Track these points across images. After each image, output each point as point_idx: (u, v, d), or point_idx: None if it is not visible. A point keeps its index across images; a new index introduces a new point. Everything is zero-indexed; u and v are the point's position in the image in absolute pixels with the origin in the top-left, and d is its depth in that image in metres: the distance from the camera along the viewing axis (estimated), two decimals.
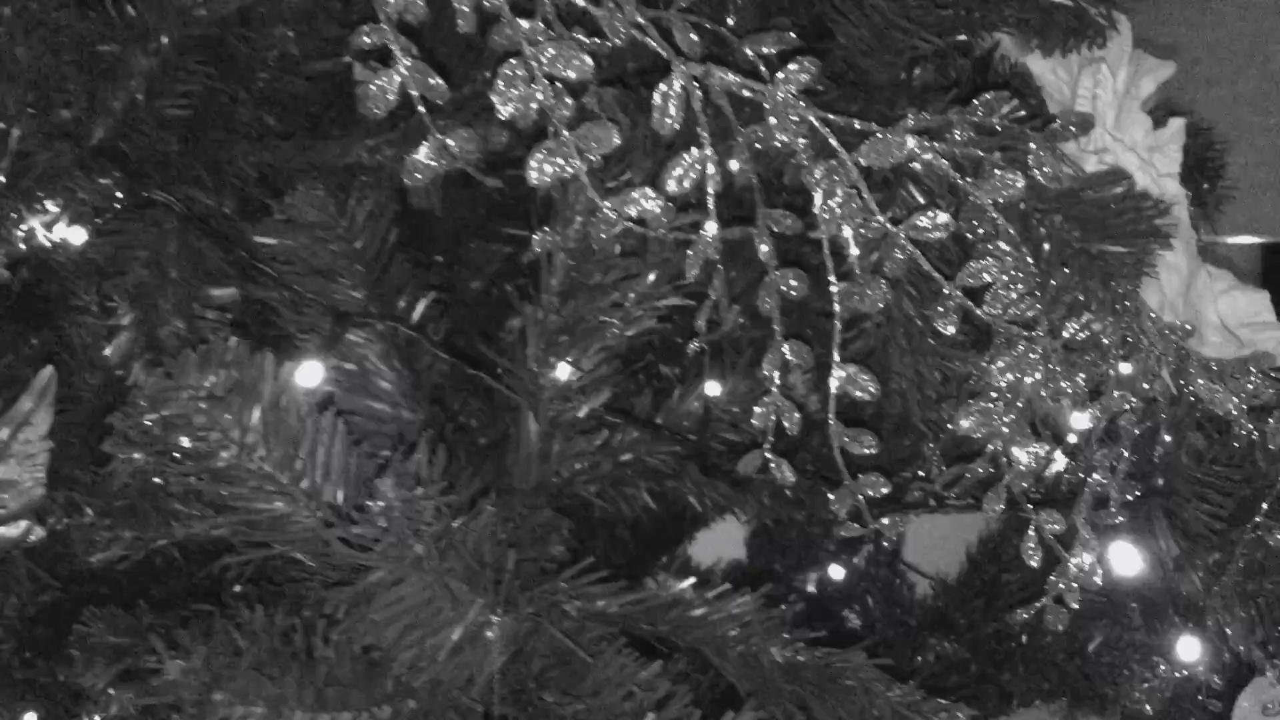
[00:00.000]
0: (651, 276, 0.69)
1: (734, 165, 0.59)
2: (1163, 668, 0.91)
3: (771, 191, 0.59)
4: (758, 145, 0.58)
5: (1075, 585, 0.62)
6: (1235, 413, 0.65)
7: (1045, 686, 0.95)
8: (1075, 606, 0.62)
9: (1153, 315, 0.65)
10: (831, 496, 0.63)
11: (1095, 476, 0.64)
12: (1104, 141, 0.72)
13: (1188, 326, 0.69)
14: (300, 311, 0.70)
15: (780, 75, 0.56)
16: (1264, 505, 0.73)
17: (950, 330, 0.58)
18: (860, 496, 0.63)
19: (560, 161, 0.54)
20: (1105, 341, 0.63)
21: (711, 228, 0.57)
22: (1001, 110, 0.60)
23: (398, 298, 0.70)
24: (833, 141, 0.57)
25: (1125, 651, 0.89)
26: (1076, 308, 0.59)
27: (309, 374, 0.67)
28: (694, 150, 0.55)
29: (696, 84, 0.55)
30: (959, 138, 0.61)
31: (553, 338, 0.63)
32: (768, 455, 0.65)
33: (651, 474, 0.75)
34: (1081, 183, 0.60)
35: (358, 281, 0.68)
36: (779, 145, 0.58)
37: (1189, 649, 0.79)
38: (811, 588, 1.10)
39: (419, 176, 0.55)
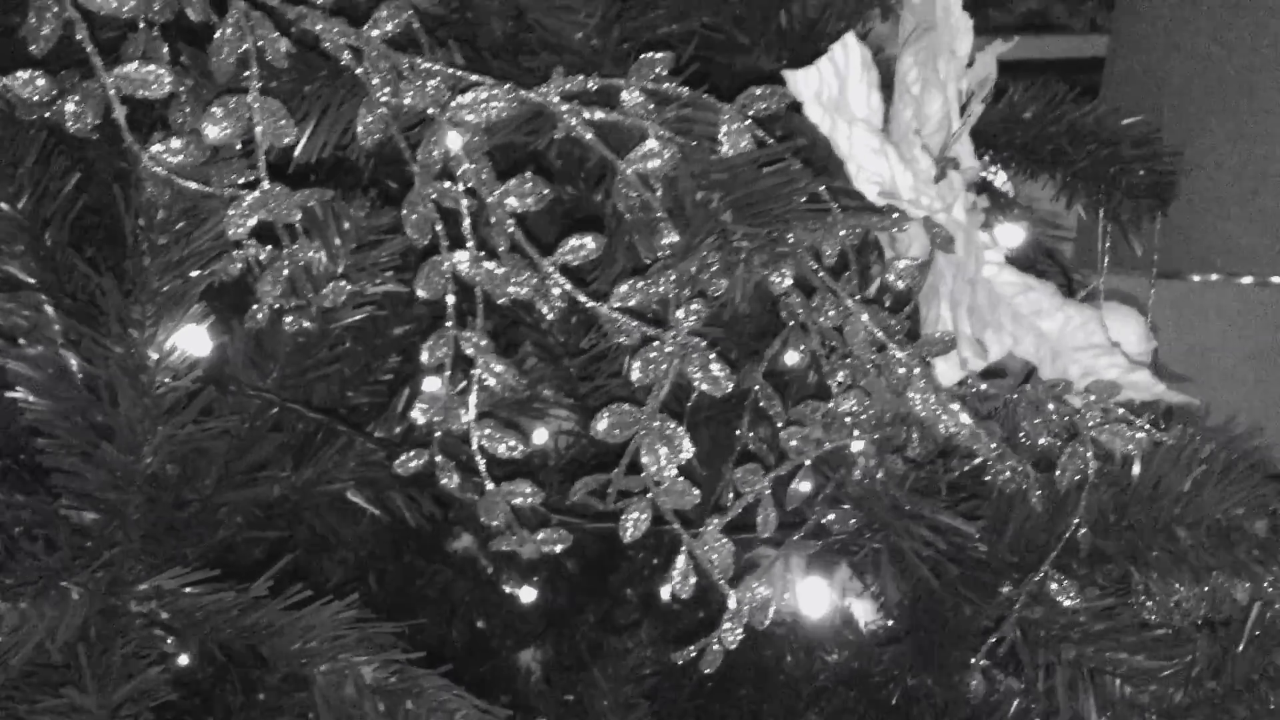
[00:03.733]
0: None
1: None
2: None
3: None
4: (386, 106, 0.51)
5: (736, 624, 0.53)
6: (973, 441, 0.55)
7: None
8: (730, 646, 0.53)
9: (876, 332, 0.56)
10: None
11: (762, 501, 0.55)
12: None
13: (947, 337, 0.60)
14: None
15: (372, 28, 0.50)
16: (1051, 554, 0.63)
17: (550, 315, 0.50)
18: (509, 505, 0.56)
19: None
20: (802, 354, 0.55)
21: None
22: (655, 72, 0.53)
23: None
24: (463, 109, 0.50)
25: None
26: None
27: None
28: None
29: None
30: (631, 103, 0.54)
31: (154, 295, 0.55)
32: (438, 460, 0.58)
33: (369, 486, 0.68)
34: (749, 160, 0.52)
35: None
36: (405, 102, 0.51)
37: None
38: None
39: None
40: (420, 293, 0.55)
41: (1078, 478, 0.59)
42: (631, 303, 0.49)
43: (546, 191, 0.50)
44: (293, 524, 0.77)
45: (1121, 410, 0.62)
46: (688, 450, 0.53)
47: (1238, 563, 0.57)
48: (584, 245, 0.49)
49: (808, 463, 0.54)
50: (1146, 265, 1.46)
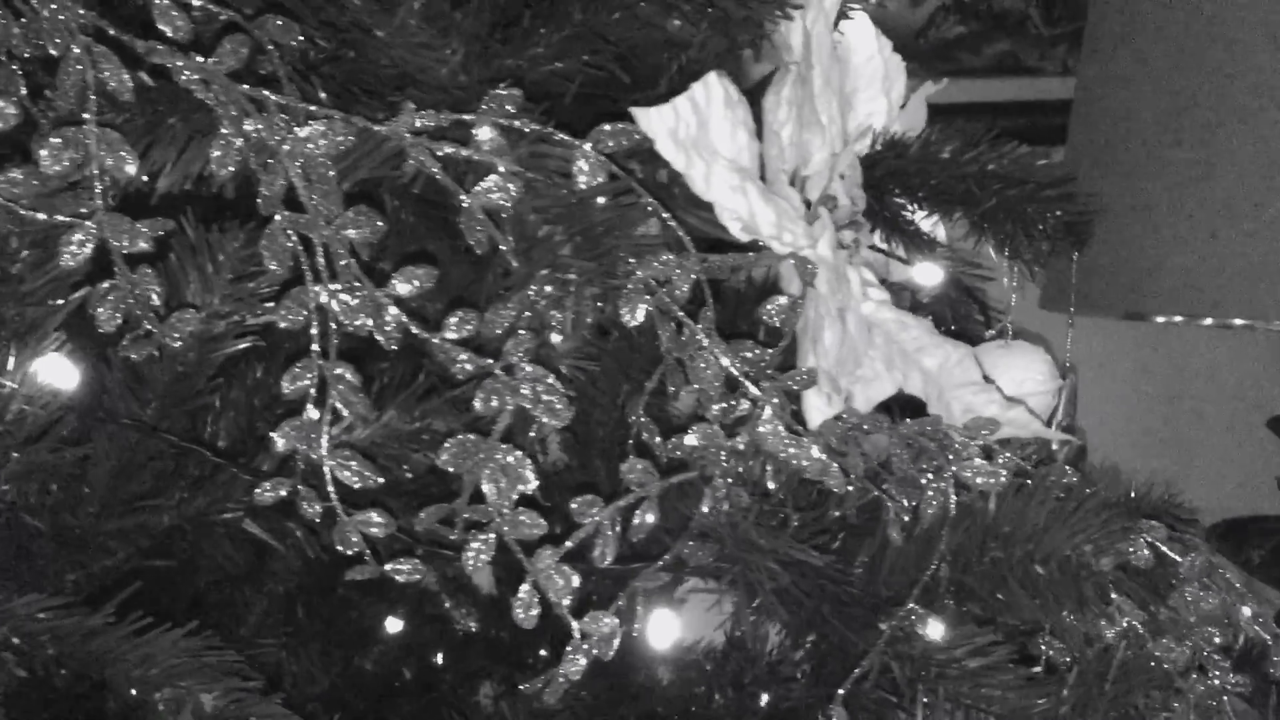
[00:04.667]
0: None
1: None
2: None
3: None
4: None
5: (578, 655, 0.53)
6: (824, 475, 0.56)
7: None
8: (574, 677, 0.53)
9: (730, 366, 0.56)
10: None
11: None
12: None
13: (806, 373, 0.60)
14: None
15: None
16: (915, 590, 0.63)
17: (391, 345, 0.51)
18: (362, 534, 0.56)
19: None
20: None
21: None
22: (507, 107, 0.54)
23: None
24: (302, 141, 0.51)
25: None
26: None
27: None
28: None
29: None
30: (487, 139, 0.54)
31: None
32: (300, 488, 0.58)
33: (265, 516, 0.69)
34: (594, 194, 0.53)
35: None
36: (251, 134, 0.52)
37: None
38: None
39: None
40: (281, 323, 0.56)
41: (940, 513, 0.60)
42: (462, 334, 0.50)
43: (380, 224, 0.50)
44: (196, 554, 0.78)
45: (982, 446, 0.63)
46: (531, 481, 0.53)
47: (1084, 599, 0.58)
48: (415, 275, 0.50)
49: (651, 494, 0.55)
50: (1109, 305, 1.46)
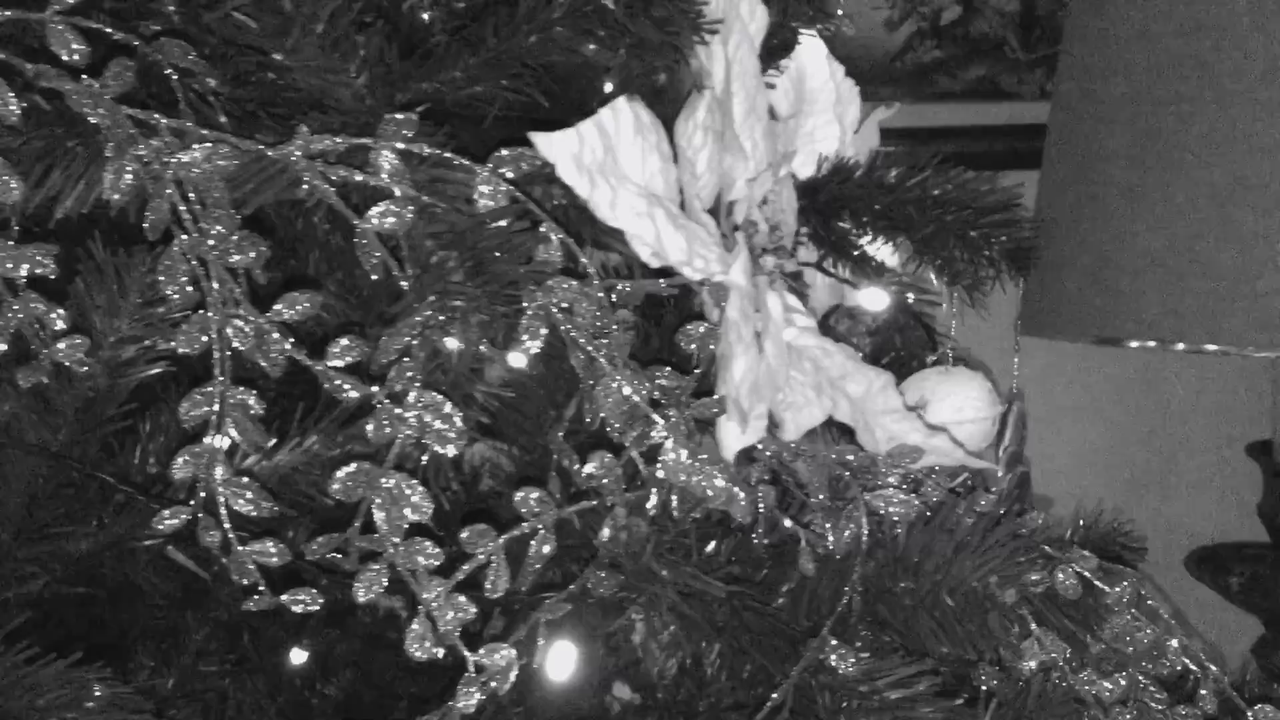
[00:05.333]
0: None
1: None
2: None
3: None
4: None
5: (471, 688, 0.52)
6: (728, 505, 0.55)
7: None
8: (470, 710, 0.52)
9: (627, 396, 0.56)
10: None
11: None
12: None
13: (715, 402, 0.59)
14: None
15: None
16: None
17: (275, 372, 0.50)
18: (253, 565, 0.55)
19: None
20: None
21: None
22: (404, 131, 0.53)
23: None
24: (184, 166, 0.50)
25: None
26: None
27: None
28: None
29: None
30: (384, 167, 0.54)
31: None
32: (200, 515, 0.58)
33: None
34: (491, 218, 0.52)
35: None
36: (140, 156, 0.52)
37: None
38: None
39: None
40: (180, 349, 0.55)
41: (854, 543, 0.59)
42: (346, 361, 0.49)
43: (264, 249, 0.50)
44: (122, 581, 0.77)
45: (907, 474, 0.62)
46: (425, 509, 0.52)
47: (987, 630, 0.57)
48: (298, 301, 0.49)
49: (546, 525, 0.54)
50: (1082, 331, 1.46)
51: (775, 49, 0.99)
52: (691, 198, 0.62)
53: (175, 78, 0.55)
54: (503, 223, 0.52)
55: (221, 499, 0.54)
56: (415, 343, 0.49)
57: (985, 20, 1.99)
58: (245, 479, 0.55)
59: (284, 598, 0.56)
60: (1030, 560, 0.57)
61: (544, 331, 0.54)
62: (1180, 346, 1.43)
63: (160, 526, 0.57)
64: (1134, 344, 1.43)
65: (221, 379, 0.54)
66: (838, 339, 1.06)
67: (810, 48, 0.97)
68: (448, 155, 0.54)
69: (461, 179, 0.54)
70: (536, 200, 0.55)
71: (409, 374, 0.49)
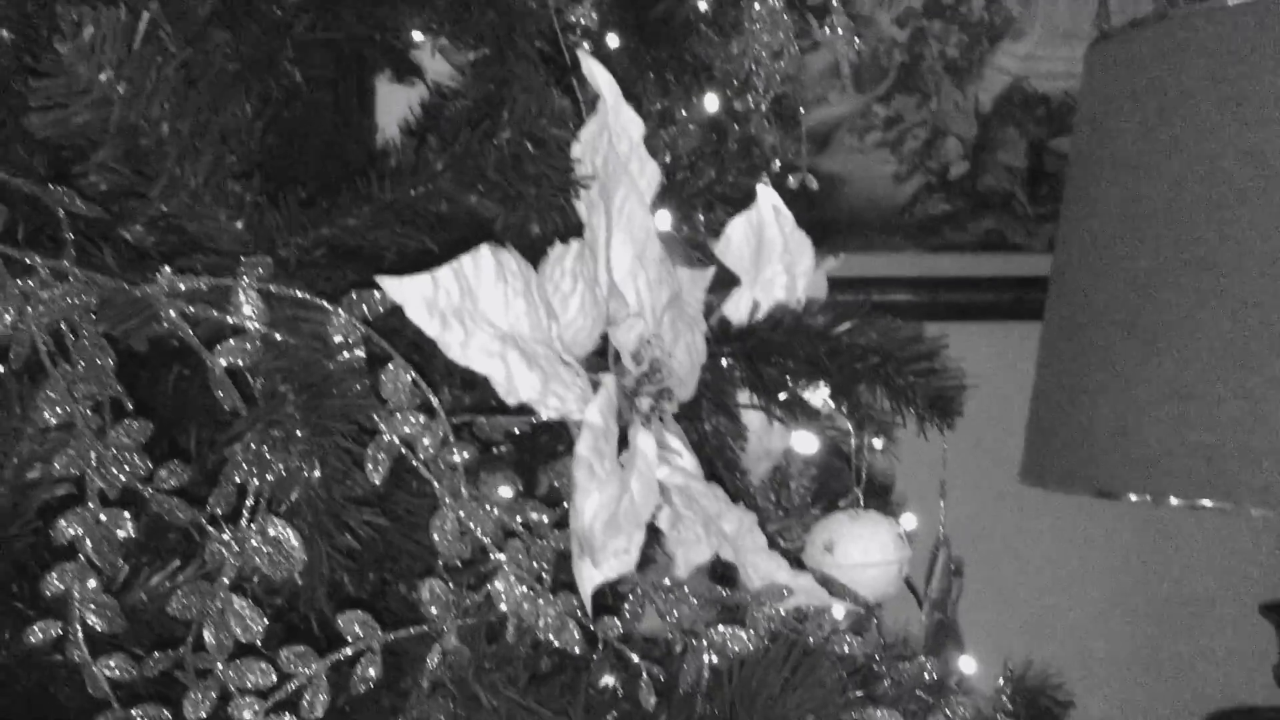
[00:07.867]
0: None
1: None
2: None
3: None
4: None
5: None
6: (558, 636, 0.57)
7: None
8: None
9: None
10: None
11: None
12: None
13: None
14: None
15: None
16: None
17: (113, 494, 0.54)
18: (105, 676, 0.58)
19: None
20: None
21: None
22: (260, 271, 0.57)
23: None
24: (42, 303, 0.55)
25: None
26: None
27: None
28: None
29: None
30: (244, 306, 0.58)
31: None
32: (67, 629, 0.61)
33: None
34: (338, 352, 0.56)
35: None
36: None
37: None
38: None
39: None
40: (58, 471, 0.59)
41: (695, 678, 0.60)
42: (172, 485, 0.53)
43: (108, 380, 0.54)
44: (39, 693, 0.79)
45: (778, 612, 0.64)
46: (257, 629, 0.55)
47: None
48: (132, 427, 0.53)
49: (373, 648, 0.56)
50: (1080, 483, 1.45)
51: (726, 197, 1.03)
52: (554, 340, 0.66)
53: (64, 218, 0.60)
54: (346, 356, 0.56)
55: (77, 614, 0.58)
56: (240, 469, 0.52)
57: (993, 175, 2.02)
58: (105, 596, 0.58)
59: (134, 712, 0.58)
60: (855, 701, 0.58)
61: (384, 461, 0.57)
62: (1174, 501, 1.42)
63: (30, 640, 0.60)
64: (1133, 497, 1.42)
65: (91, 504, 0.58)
66: (786, 479, 1.09)
67: (765, 197, 1.02)
68: (303, 295, 0.58)
69: (317, 318, 0.58)
70: (388, 336, 0.59)
71: (226, 498, 0.52)
